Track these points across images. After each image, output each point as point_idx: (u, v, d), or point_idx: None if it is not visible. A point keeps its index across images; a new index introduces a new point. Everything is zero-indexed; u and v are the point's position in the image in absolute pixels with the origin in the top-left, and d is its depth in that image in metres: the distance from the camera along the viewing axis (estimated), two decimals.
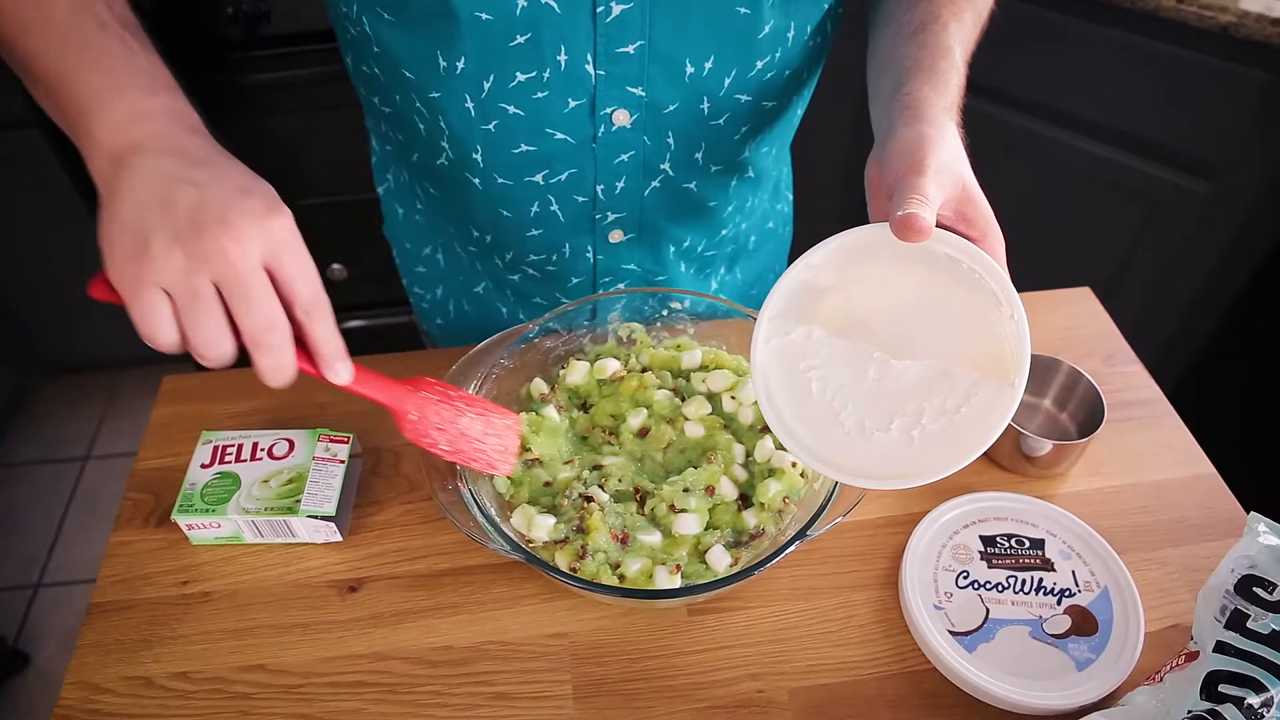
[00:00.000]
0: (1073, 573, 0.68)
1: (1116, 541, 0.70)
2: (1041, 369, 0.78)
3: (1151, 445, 0.78)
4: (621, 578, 0.64)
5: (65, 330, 1.91)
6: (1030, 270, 1.60)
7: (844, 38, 0.77)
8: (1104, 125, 1.40)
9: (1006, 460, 0.75)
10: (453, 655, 0.66)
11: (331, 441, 0.75)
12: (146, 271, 0.46)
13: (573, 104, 0.67)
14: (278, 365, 0.49)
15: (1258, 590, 0.58)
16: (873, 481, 0.57)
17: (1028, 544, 0.69)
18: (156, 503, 0.76)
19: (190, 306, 0.47)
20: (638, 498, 0.69)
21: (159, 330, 0.47)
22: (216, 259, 0.46)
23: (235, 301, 0.47)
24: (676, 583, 0.63)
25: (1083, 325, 0.88)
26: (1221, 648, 0.56)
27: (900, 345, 0.57)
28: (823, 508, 0.62)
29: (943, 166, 0.52)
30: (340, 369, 0.53)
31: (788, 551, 0.60)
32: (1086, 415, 0.76)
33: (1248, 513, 0.63)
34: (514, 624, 0.67)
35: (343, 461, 0.73)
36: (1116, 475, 0.76)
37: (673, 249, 0.83)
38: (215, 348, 0.48)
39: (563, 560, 0.65)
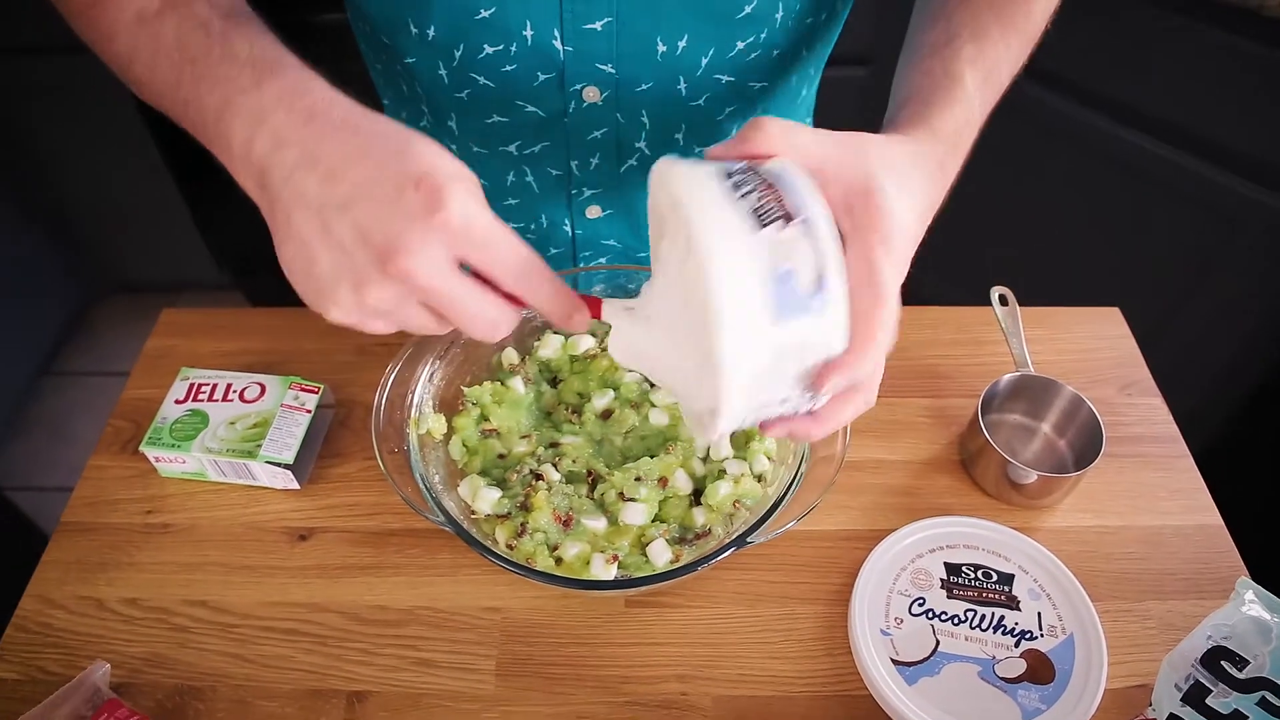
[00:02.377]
0: (1039, 614, 0.63)
1: (1096, 587, 0.65)
2: (1039, 390, 0.73)
3: (1155, 487, 0.72)
4: (558, 560, 0.62)
5: (124, 251, 1.99)
6: (1085, 282, 1.51)
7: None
8: (1189, 132, 1.30)
9: (991, 486, 0.71)
10: (386, 615, 0.66)
11: (302, 390, 0.75)
12: (352, 313, 0.43)
13: (542, 77, 0.65)
14: (502, 338, 0.46)
15: (1226, 665, 0.53)
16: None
17: (995, 578, 0.65)
18: (136, 431, 0.78)
19: (410, 325, 0.44)
20: (590, 481, 0.67)
21: (405, 329, 0.45)
22: (407, 288, 0.42)
23: (445, 314, 0.43)
24: (611, 573, 0.61)
25: (1104, 349, 0.81)
26: None
27: None
28: (768, 515, 0.59)
29: (829, 181, 0.43)
30: (576, 321, 0.47)
31: (723, 555, 0.58)
32: (1085, 445, 0.71)
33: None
34: (451, 592, 0.67)
35: (309, 411, 0.73)
36: (1110, 515, 0.70)
37: None
38: (468, 331, 0.45)
39: (501, 536, 0.63)
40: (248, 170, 0.44)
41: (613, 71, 0.64)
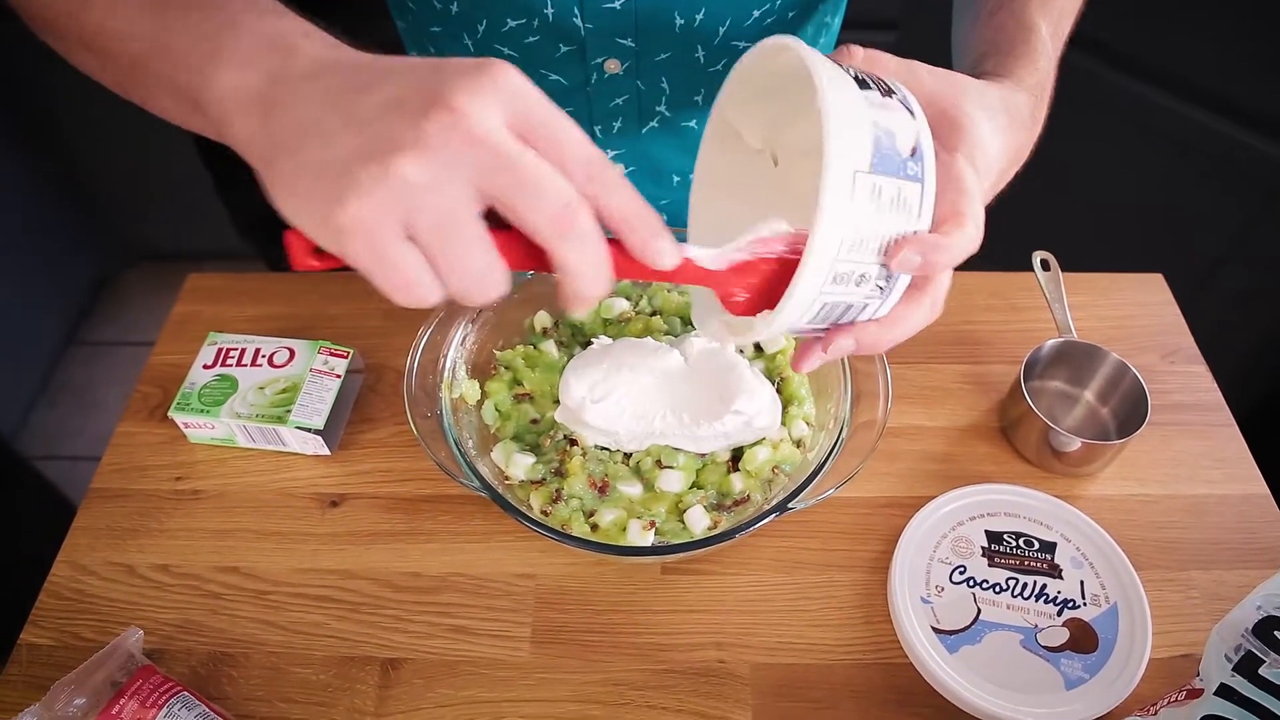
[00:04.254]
0: (1081, 583, 0.62)
1: (1140, 556, 0.64)
2: (1081, 356, 0.71)
3: (1200, 455, 0.70)
4: (594, 527, 0.61)
5: (149, 220, 1.98)
6: (1122, 250, 1.48)
7: None
8: (1229, 98, 1.26)
9: (1032, 453, 0.69)
10: (419, 582, 0.65)
11: (331, 355, 0.74)
12: (369, 208, 0.32)
13: (564, 49, 0.66)
14: (594, 258, 0.35)
15: (1279, 634, 0.51)
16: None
17: (1037, 546, 0.64)
18: (164, 397, 0.78)
19: (447, 229, 0.33)
20: None
21: (420, 286, 0.34)
22: (456, 140, 0.32)
23: (507, 190, 0.33)
24: (648, 540, 0.61)
25: (1147, 316, 0.79)
26: (1225, 691, 0.51)
27: None
28: (808, 482, 0.58)
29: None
30: (663, 249, 0.37)
31: (763, 523, 0.57)
32: (1129, 413, 0.69)
33: None
34: (484, 559, 0.66)
35: (339, 376, 0.73)
36: (1153, 483, 0.69)
37: (677, 179, 0.81)
38: (487, 280, 0.35)
39: (536, 501, 0.63)
40: (242, 86, 0.37)
41: (632, 45, 0.65)
